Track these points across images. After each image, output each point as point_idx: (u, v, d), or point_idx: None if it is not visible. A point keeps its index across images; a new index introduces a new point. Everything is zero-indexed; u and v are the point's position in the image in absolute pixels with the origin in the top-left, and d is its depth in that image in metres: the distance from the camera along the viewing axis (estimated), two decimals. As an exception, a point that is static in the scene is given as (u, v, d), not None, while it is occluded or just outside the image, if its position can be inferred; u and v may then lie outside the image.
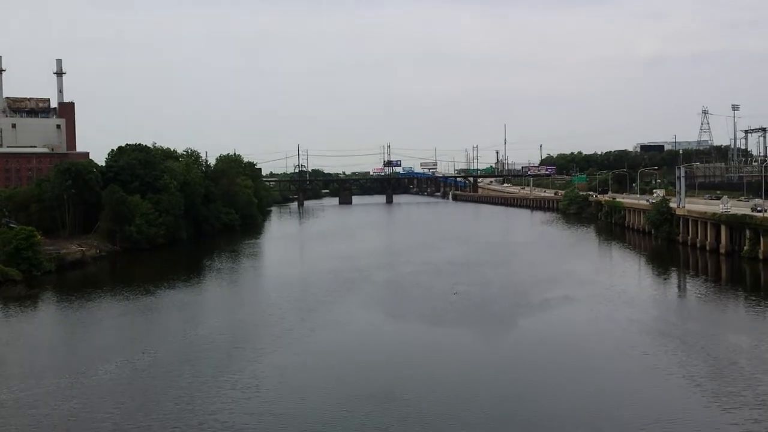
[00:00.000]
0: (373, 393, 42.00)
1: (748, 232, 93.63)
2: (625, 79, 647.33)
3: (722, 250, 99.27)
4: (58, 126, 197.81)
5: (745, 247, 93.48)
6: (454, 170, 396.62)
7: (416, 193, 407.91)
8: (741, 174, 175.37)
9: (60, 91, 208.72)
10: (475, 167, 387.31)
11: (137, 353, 52.74)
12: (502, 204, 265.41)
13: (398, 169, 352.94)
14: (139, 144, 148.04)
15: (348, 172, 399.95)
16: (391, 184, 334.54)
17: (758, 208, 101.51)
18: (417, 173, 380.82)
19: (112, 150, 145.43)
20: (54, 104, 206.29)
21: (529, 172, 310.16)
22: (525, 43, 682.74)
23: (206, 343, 55.28)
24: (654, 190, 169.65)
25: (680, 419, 37.58)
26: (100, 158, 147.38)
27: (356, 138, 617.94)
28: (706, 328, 57.10)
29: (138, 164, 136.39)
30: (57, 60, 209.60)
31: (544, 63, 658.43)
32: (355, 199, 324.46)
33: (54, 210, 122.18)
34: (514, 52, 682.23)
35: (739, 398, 39.89)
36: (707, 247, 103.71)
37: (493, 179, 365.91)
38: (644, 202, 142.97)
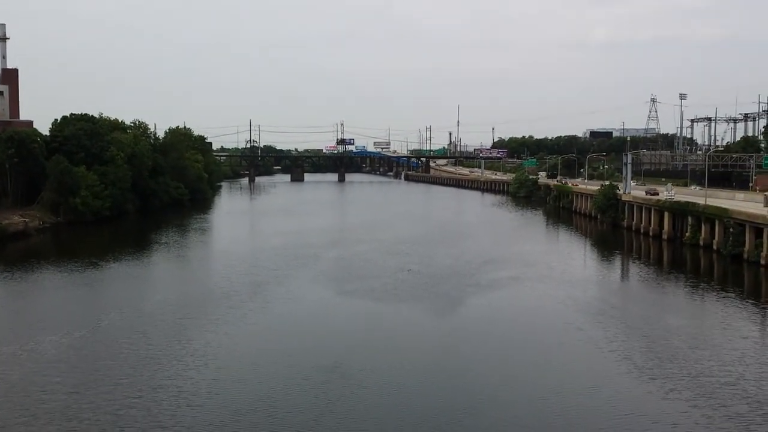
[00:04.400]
0: (326, 362, 42.54)
1: (690, 219, 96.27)
2: (576, 65, 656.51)
3: (665, 236, 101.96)
4: (1, 93, 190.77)
5: (687, 234, 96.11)
6: (407, 150, 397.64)
7: (369, 172, 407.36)
8: (686, 162, 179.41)
9: (3, 57, 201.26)
10: (428, 148, 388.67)
11: (85, 324, 51.82)
12: (453, 185, 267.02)
13: (351, 148, 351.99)
14: (85, 114, 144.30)
15: (300, 149, 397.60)
16: (343, 162, 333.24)
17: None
18: (370, 152, 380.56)
19: (56, 120, 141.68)
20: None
21: (481, 155, 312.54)
22: (481, 24, 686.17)
23: (157, 314, 54.78)
24: (539, 172, 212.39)
25: (602, 385, 39.60)
26: (44, 127, 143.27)
27: (309, 115, 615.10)
28: (643, 308, 59.03)
29: (84, 135, 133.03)
30: (0, 25, 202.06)
31: (498, 45, 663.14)
32: (307, 176, 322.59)
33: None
34: (470, 33, 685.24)
35: (664, 370, 41.69)
36: (650, 233, 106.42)
37: (445, 160, 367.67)
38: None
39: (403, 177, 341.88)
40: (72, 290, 66.92)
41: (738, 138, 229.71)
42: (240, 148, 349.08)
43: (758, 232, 78.95)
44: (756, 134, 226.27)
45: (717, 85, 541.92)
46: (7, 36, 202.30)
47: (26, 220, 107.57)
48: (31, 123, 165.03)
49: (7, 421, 34.10)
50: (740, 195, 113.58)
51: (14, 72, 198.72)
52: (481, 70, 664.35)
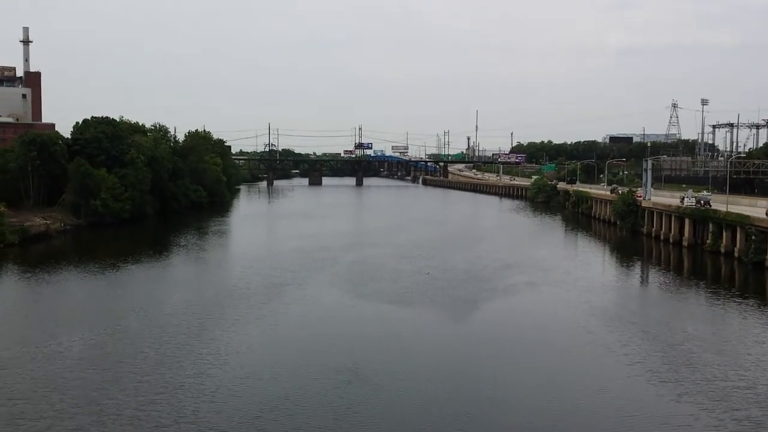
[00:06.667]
0: (345, 364, 42.85)
1: (711, 225, 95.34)
2: (596, 70, 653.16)
3: (685, 243, 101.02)
4: (24, 96, 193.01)
5: (708, 241, 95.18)
6: (425, 155, 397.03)
7: (386, 177, 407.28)
8: (707, 168, 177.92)
9: (26, 60, 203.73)
10: (446, 152, 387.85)
11: (107, 324, 52.35)
12: (471, 190, 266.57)
13: (369, 152, 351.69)
14: (106, 117, 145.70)
15: (318, 153, 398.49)
16: (361, 166, 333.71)
17: None
18: (388, 156, 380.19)
19: (78, 122, 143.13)
20: (20, 73, 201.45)
21: (499, 160, 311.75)
22: (500, 29, 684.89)
23: (178, 315, 55.29)
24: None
25: (612, 388, 39.98)
26: (66, 130, 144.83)
27: (328, 119, 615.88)
28: (661, 314, 58.75)
29: (105, 137, 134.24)
30: (24, 28, 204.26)
31: (517, 50, 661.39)
32: (325, 180, 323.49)
33: (17, 181, 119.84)
34: (489, 38, 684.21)
35: (678, 374, 41.92)
36: (671, 240, 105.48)
37: (463, 165, 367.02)
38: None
39: (420, 181, 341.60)
40: (93, 291, 67.60)
41: (761, 144, 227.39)
42: (259, 151, 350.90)
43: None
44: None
45: (739, 91, 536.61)
46: (30, 39, 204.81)
47: (47, 222, 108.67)
48: (53, 126, 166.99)
49: (33, 414, 34.64)
50: (763, 202, 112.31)
51: (37, 75, 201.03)
52: (500, 74, 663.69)
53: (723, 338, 50.89)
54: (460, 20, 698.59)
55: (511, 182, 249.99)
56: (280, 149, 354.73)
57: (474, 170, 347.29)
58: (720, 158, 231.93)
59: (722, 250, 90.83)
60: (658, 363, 44.18)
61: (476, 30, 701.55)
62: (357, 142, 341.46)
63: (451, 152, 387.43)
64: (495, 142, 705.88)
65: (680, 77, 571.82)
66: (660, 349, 47.25)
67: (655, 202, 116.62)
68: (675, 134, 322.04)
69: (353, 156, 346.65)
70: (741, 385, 39.80)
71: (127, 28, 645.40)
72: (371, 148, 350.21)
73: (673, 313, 59.88)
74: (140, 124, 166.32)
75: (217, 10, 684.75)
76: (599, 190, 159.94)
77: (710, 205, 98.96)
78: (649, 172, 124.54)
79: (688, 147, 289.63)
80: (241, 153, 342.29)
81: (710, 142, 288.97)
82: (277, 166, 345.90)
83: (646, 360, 44.83)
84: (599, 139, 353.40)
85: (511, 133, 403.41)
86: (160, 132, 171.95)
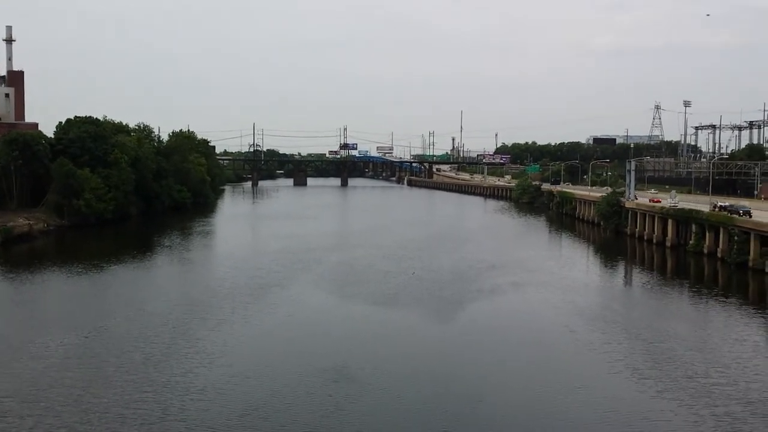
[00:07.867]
0: (331, 364, 42.97)
1: (694, 226, 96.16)
2: (581, 71, 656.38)
3: (668, 244, 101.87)
4: (7, 95, 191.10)
5: (691, 242, 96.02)
6: (410, 155, 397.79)
7: (371, 177, 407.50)
8: (689, 170, 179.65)
9: (9, 59, 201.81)
10: (431, 153, 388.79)
11: (92, 325, 52.09)
12: (456, 191, 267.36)
13: (354, 153, 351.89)
14: (90, 117, 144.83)
15: (304, 154, 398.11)
16: (346, 167, 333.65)
17: None
18: (373, 157, 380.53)
19: (61, 122, 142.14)
20: (2, 72, 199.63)
21: (484, 160, 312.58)
22: (485, 30, 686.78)
23: (163, 315, 55.16)
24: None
25: (593, 385, 40.59)
26: (49, 130, 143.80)
27: (313, 119, 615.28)
28: (643, 314, 59.44)
29: (88, 137, 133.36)
30: (7, 27, 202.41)
31: (502, 51, 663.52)
32: (310, 181, 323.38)
33: (0, 181, 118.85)
34: (474, 39, 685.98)
35: (659, 371, 42.45)
36: (654, 240, 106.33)
37: (448, 166, 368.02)
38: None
39: (405, 182, 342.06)
40: (77, 291, 67.31)
41: (743, 145, 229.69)
42: (243, 152, 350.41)
43: (764, 240, 78.85)
44: (761, 142, 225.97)
45: (722, 92, 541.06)
46: (13, 38, 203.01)
47: (31, 222, 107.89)
48: (36, 125, 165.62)
49: (19, 413, 34.57)
50: (745, 202, 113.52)
51: (20, 74, 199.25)
52: (484, 76, 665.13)
53: (705, 337, 51.57)
54: (444, 21, 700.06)
55: (496, 183, 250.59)
56: (264, 149, 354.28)
57: (454, 171, 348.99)
58: (702, 159, 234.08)
59: (705, 250, 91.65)
60: (640, 361, 44.71)
61: (461, 31, 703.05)
62: (342, 142, 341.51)
63: (436, 153, 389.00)
64: (480, 142, 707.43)
65: (663, 79, 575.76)
66: (642, 348, 47.78)
67: (639, 203, 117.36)
68: (658, 136, 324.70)
69: (338, 156, 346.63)
70: (721, 382, 40.36)
71: (127, 28, 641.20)
72: (356, 148, 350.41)
73: (655, 312, 60.44)
74: (124, 123, 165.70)
75: (202, 10, 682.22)
76: (582, 191, 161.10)
77: (750, 215, 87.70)
78: (633, 173, 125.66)
79: (671, 148, 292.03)
80: (226, 153, 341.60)
81: (693, 143, 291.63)
82: (262, 166, 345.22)
83: (628, 358, 45.38)
84: (583, 141, 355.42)
85: (496, 134, 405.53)
86: (144, 132, 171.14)
